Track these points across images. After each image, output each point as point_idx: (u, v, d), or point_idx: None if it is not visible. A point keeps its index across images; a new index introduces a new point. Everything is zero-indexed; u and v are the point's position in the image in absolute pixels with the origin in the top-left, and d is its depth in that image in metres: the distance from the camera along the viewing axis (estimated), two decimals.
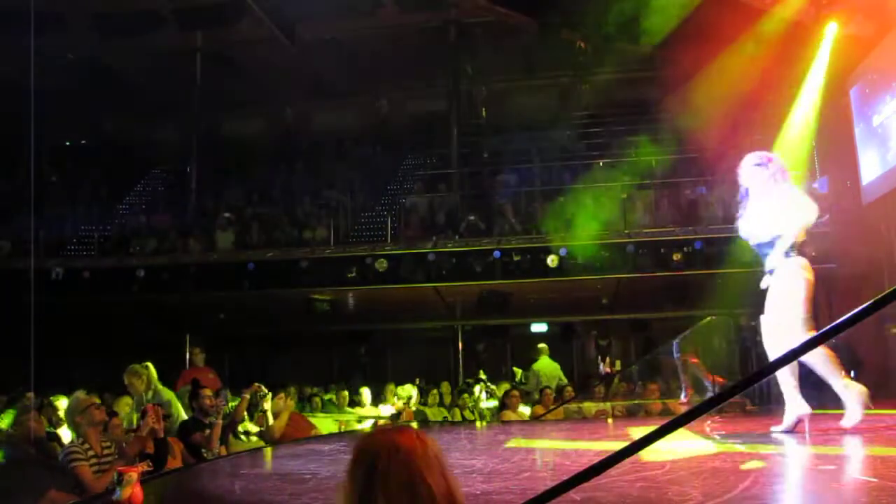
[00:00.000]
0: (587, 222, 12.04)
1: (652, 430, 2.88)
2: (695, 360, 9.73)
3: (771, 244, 5.24)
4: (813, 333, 4.80)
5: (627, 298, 13.29)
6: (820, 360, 4.96)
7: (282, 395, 7.92)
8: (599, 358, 13.74)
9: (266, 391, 7.54)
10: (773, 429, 5.11)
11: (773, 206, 5.20)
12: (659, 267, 11.93)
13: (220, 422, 6.64)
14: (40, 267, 12.59)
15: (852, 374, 10.94)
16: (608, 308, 14.03)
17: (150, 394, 7.31)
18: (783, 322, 5.08)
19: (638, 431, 5.26)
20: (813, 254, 10.94)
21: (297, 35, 14.67)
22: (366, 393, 11.41)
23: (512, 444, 5.56)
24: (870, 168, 10.71)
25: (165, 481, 4.73)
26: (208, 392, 7.01)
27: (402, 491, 1.87)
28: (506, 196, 13.95)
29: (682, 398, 9.83)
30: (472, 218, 13.20)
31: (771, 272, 5.28)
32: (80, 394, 5.61)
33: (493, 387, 11.65)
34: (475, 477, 3.83)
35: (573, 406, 9.87)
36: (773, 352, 5.11)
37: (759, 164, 5.29)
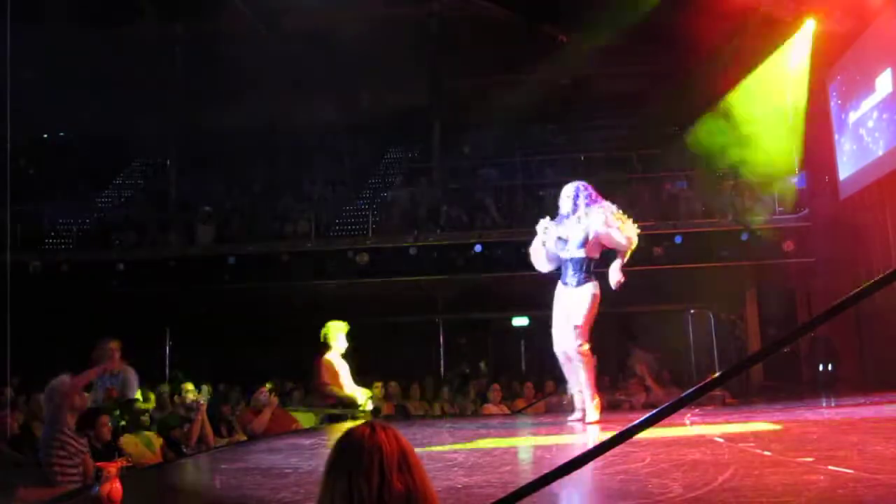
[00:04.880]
0: None
1: (633, 423, 2.89)
2: None
3: (574, 262, 5.96)
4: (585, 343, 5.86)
5: (608, 293, 13.33)
6: (587, 368, 5.85)
7: (264, 389, 7.90)
8: None
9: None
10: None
11: (590, 227, 5.94)
12: (639, 261, 11.96)
13: (200, 417, 6.61)
14: (18, 260, 12.44)
15: (830, 366, 11.11)
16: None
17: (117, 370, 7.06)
18: (567, 328, 5.94)
19: (618, 425, 5.28)
20: (792, 248, 11.04)
21: (278, 27, 14.57)
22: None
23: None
24: (847, 163, 10.82)
25: (145, 477, 4.70)
26: (189, 387, 6.98)
27: (379, 489, 1.87)
28: (487, 190, 13.96)
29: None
30: (444, 208, 13.21)
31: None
32: (66, 377, 5.55)
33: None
34: (456, 471, 3.84)
35: (553, 400, 9.91)
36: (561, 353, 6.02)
37: (576, 194, 6.06)
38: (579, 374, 5.88)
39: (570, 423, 5.97)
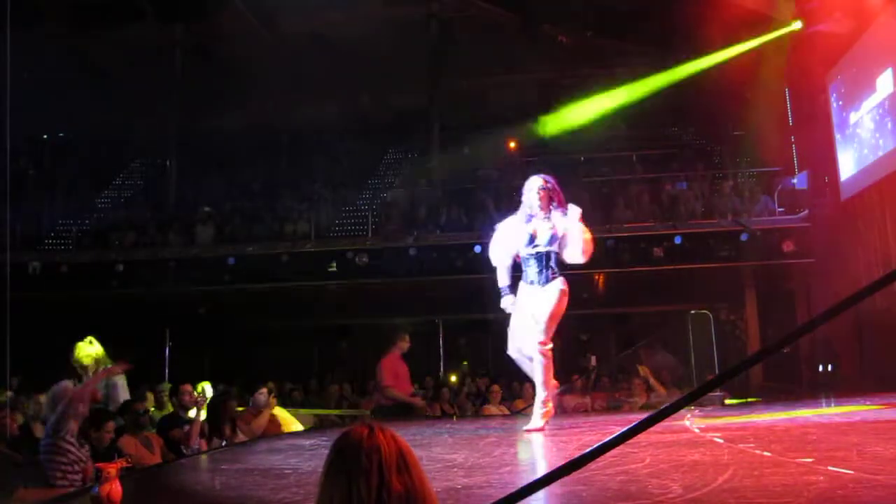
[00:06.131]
0: None
1: (633, 424, 2.89)
2: None
3: (539, 258, 5.60)
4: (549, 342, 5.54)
5: (608, 293, 13.34)
6: (546, 368, 5.51)
7: (264, 390, 7.89)
8: (585, 352, 13.78)
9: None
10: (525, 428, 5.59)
11: (561, 225, 5.60)
12: (639, 261, 12.00)
13: (200, 418, 6.59)
14: (17, 261, 12.44)
15: (830, 367, 11.11)
16: (588, 302, 14.12)
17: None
18: (536, 327, 5.55)
19: (618, 426, 5.29)
20: (792, 248, 11.02)
21: (278, 28, 14.58)
22: (346, 388, 11.39)
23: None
24: (848, 164, 10.81)
25: (145, 477, 4.70)
26: (188, 388, 6.95)
27: (378, 490, 1.87)
28: (487, 190, 13.96)
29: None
30: (444, 208, 13.19)
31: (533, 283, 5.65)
32: (68, 383, 5.52)
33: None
34: (456, 471, 3.83)
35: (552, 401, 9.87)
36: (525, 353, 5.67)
37: (543, 188, 5.68)
38: (536, 375, 5.56)
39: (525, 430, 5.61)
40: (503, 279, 5.76)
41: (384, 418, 7.79)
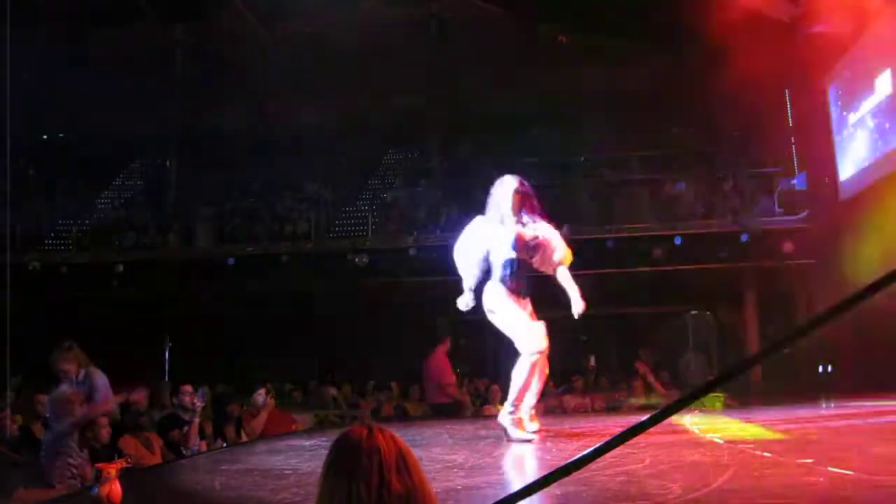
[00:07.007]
0: (567, 217, 12.08)
1: (633, 425, 2.89)
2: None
3: (513, 264, 5.28)
4: None
5: (608, 293, 13.32)
6: (535, 384, 5.29)
7: (262, 391, 7.90)
8: (585, 352, 13.78)
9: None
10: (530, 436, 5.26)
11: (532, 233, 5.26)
12: (639, 262, 12.00)
13: (198, 419, 6.59)
14: (17, 261, 12.43)
15: (830, 368, 11.09)
16: (588, 302, 14.09)
17: (83, 374, 6.24)
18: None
19: (618, 426, 5.29)
20: (791, 249, 11.03)
21: (278, 28, 14.57)
22: (346, 389, 11.39)
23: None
24: (847, 164, 10.82)
25: (144, 477, 4.70)
26: (188, 388, 6.96)
27: (378, 490, 1.87)
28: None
29: None
30: (444, 208, 13.20)
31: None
32: (66, 387, 5.53)
33: None
34: (456, 472, 3.83)
35: (552, 401, 9.90)
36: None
37: (518, 191, 5.33)
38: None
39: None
40: (469, 281, 5.48)
41: (444, 416, 7.81)
